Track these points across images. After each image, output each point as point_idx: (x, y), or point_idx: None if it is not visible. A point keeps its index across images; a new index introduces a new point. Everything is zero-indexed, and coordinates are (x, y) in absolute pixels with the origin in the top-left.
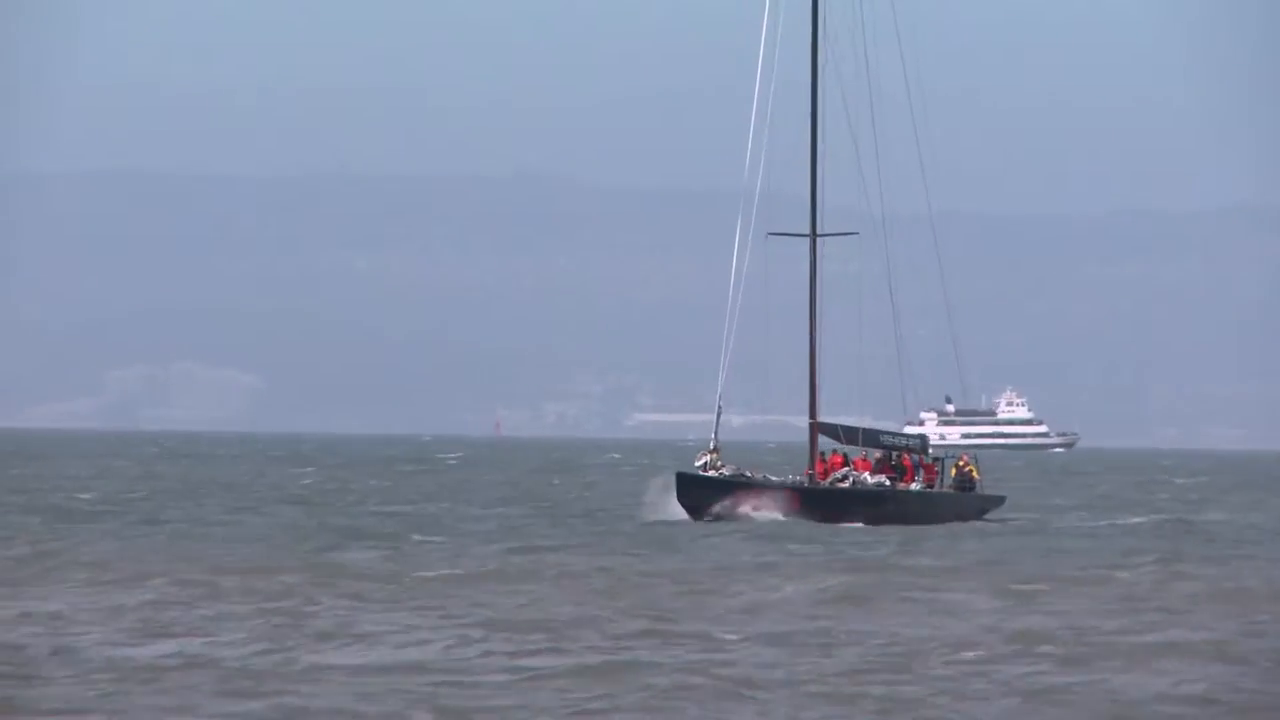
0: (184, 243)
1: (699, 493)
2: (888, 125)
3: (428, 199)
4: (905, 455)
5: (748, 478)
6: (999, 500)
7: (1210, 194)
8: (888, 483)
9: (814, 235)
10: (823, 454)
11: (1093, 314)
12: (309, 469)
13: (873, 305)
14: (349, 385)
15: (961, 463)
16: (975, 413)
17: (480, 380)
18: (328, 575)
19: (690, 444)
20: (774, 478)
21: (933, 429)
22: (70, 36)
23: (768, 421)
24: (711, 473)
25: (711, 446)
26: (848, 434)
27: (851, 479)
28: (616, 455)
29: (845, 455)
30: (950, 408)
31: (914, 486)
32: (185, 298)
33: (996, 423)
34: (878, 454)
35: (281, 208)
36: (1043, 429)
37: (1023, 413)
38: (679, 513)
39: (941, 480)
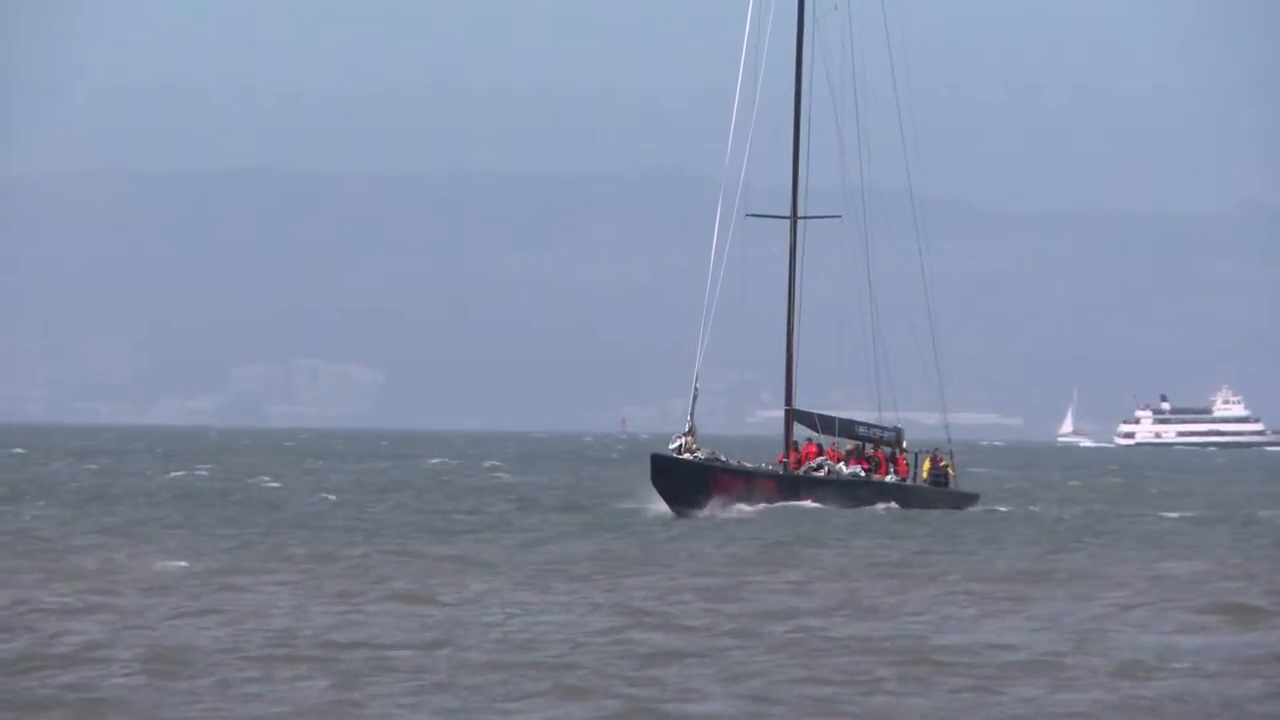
0: (311, 241)
1: (674, 475)
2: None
3: (560, 198)
4: (878, 448)
5: (723, 462)
6: (973, 497)
7: None
8: (862, 474)
9: (795, 217)
10: (796, 443)
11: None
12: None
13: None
14: (465, 382)
15: (935, 457)
16: (1191, 411)
17: (607, 378)
18: None
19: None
20: (748, 464)
21: (1148, 427)
22: (208, 40)
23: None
24: (686, 455)
25: (686, 429)
26: (824, 423)
27: (827, 468)
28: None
29: (820, 444)
30: (1166, 406)
31: (889, 479)
32: (311, 296)
33: (1213, 420)
34: (849, 445)
35: (405, 206)
36: (1259, 427)
37: (1239, 410)
38: (659, 501)
39: (914, 475)
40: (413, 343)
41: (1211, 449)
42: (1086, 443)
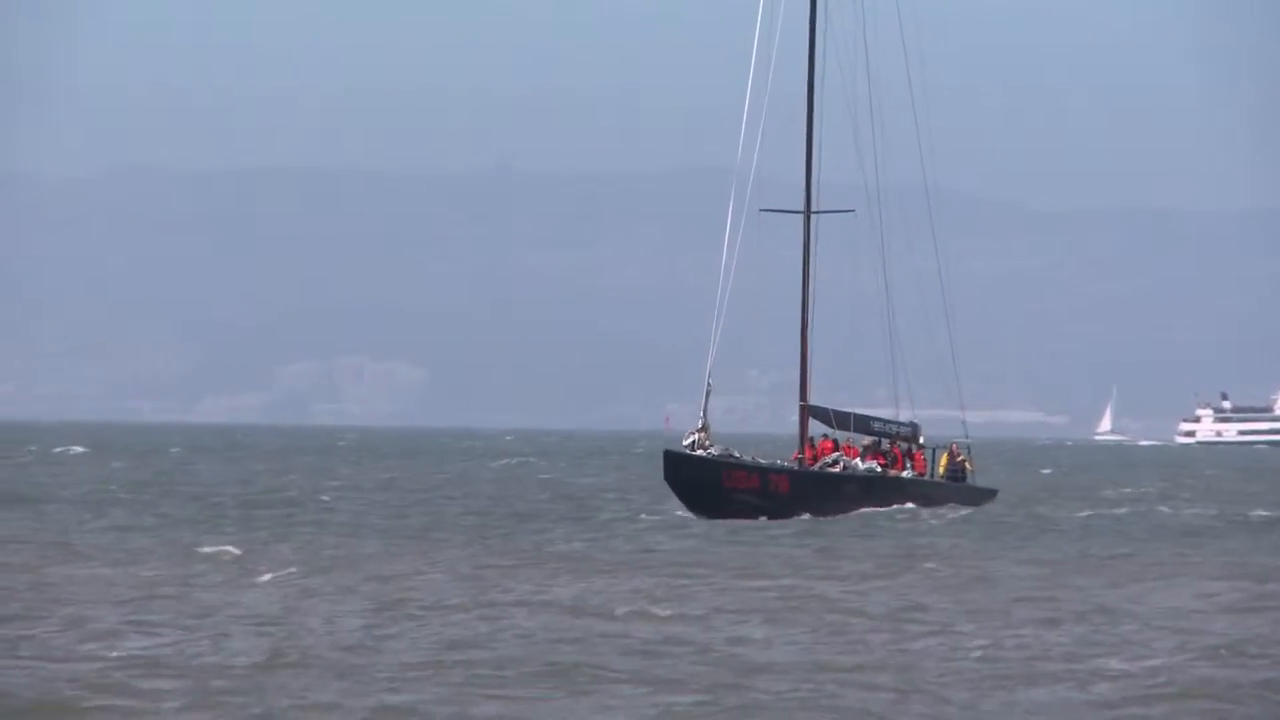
0: (354, 241)
1: (688, 471)
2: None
3: (603, 197)
4: (895, 443)
5: (736, 458)
6: (990, 493)
7: None
8: (878, 469)
9: (808, 212)
10: (811, 439)
11: None
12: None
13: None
14: (509, 380)
15: (953, 452)
16: (1253, 409)
17: (651, 375)
18: None
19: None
20: (763, 460)
21: (1209, 426)
22: (252, 40)
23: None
24: (700, 452)
25: (700, 425)
26: (839, 418)
27: (843, 465)
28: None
29: (835, 440)
30: (1227, 404)
31: (905, 474)
32: (355, 295)
33: (1274, 419)
34: (865, 441)
35: (449, 206)
36: None
37: None
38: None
39: (931, 471)
40: (457, 341)
41: (1262, 447)
42: (1146, 441)
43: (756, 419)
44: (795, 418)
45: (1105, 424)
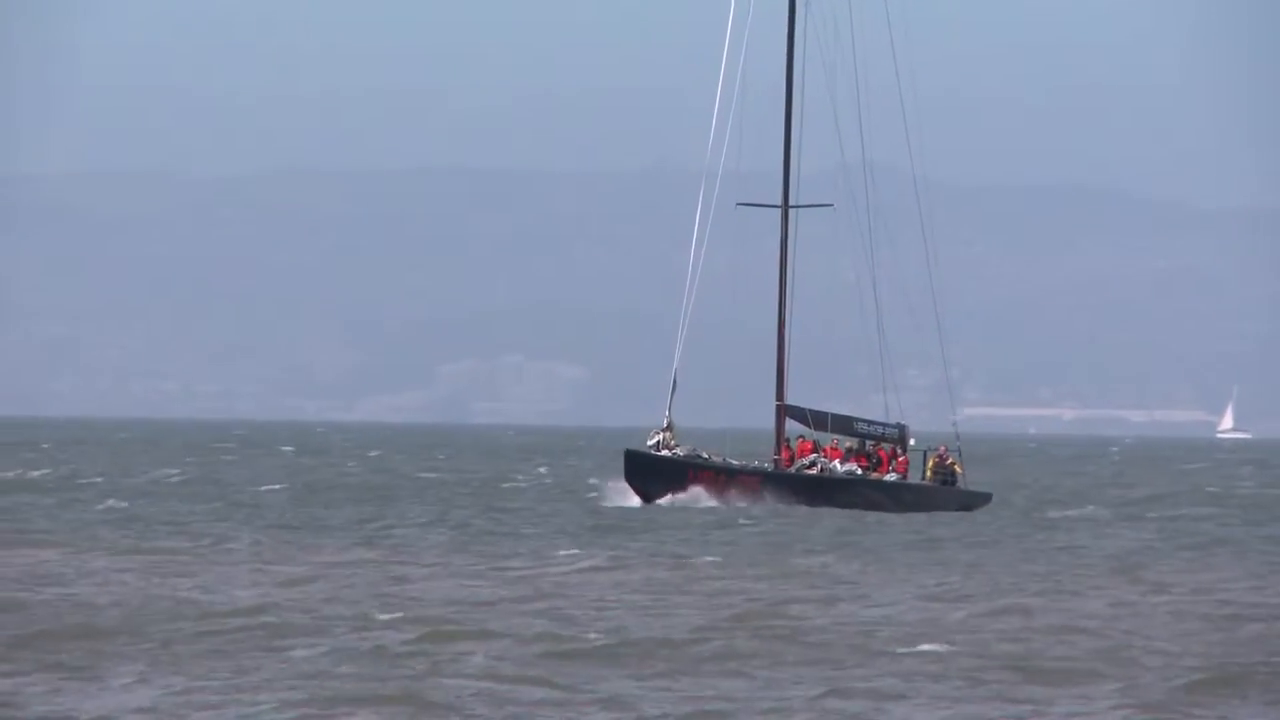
0: (510, 239)
1: (650, 474)
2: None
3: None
4: (879, 445)
5: (704, 459)
6: (984, 497)
7: None
8: (859, 472)
9: (785, 206)
10: (788, 440)
11: None
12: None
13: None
14: (666, 379)
15: (941, 454)
16: None
17: (806, 372)
18: None
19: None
20: (734, 461)
21: None
22: (407, 43)
23: (1098, 416)
24: (665, 453)
25: (665, 425)
26: (816, 419)
27: (821, 467)
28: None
29: (815, 442)
30: None
31: (889, 477)
32: (516, 294)
33: None
34: (850, 442)
35: (605, 203)
36: None
37: None
38: (631, 496)
39: (921, 474)
40: (616, 339)
41: None
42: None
43: (915, 417)
44: (956, 418)
45: (1227, 422)
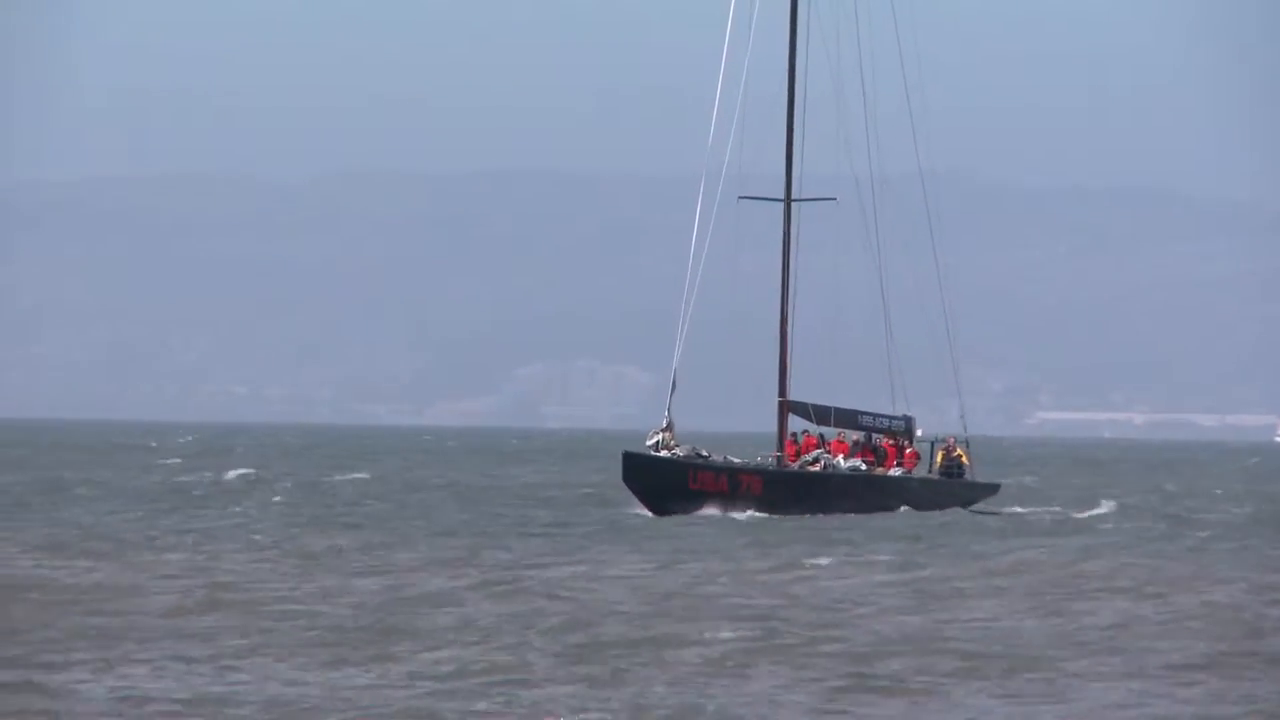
0: (580, 243)
1: (649, 473)
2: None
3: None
4: (886, 439)
5: (704, 458)
6: (991, 488)
7: None
8: (864, 467)
9: (789, 200)
10: (794, 435)
11: None
12: None
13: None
14: (735, 383)
15: (949, 446)
16: None
17: (873, 376)
18: None
19: (1104, 441)
20: (735, 459)
21: None
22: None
23: (1169, 420)
24: (664, 453)
25: (664, 424)
26: (819, 413)
27: (824, 462)
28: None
29: (820, 437)
30: None
31: (894, 472)
32: (584, 298)
33: None
34: (855, 436)
35: (673, 208)
36: None
37: None
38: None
39: (929, 466)
40: (687, 344)
41: None
42: None
43: (988, 422)
44: (1030, 421)
45: None
